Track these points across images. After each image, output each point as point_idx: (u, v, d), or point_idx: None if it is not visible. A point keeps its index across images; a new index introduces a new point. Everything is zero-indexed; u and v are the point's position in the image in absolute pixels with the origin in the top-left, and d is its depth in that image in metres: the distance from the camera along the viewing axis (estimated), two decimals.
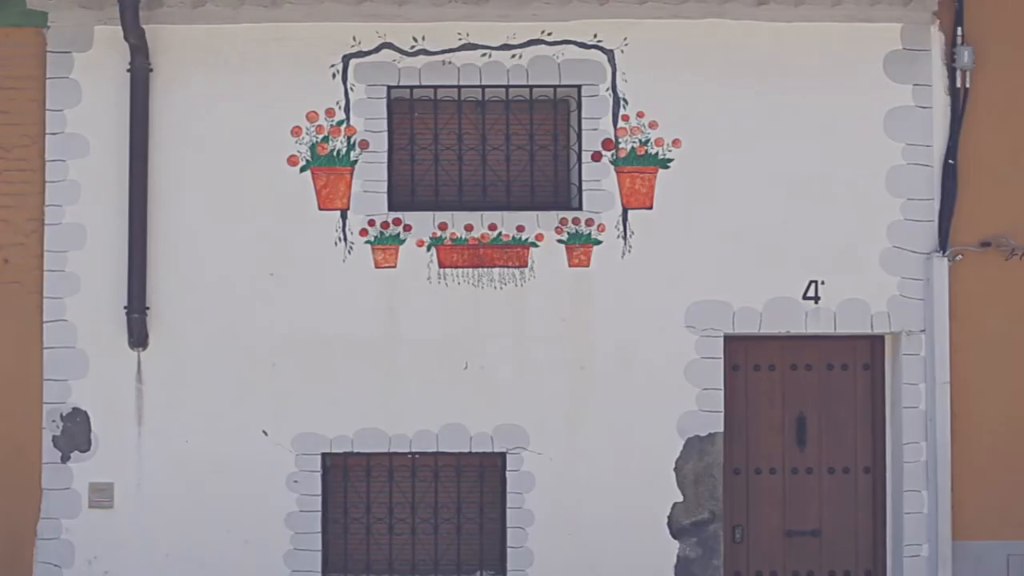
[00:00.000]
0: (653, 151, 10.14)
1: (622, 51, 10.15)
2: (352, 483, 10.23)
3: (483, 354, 10.04)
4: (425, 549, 10.25)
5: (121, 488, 9.97)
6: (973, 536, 10.21)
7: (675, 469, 10.08)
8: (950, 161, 10.22)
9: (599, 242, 10.11)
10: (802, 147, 10.15)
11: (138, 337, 9.91)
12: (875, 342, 10.41)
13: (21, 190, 10.06)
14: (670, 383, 10.04)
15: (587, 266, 10.10)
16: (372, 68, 10.11)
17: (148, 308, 9.95)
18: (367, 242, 10.07)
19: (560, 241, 10.11)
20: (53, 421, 9.98)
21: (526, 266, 10.09)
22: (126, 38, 9.84)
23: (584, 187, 10.14)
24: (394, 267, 10.08)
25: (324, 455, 10.06)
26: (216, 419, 9.95)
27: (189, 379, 9.97)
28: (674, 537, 10.09)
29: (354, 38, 10.11)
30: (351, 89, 10.10)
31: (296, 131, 10.05)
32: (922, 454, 10.18)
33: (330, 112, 10.08)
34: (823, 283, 10.15)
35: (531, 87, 10.20)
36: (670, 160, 10.14)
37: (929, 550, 10.14)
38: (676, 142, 10.13)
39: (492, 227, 10.08)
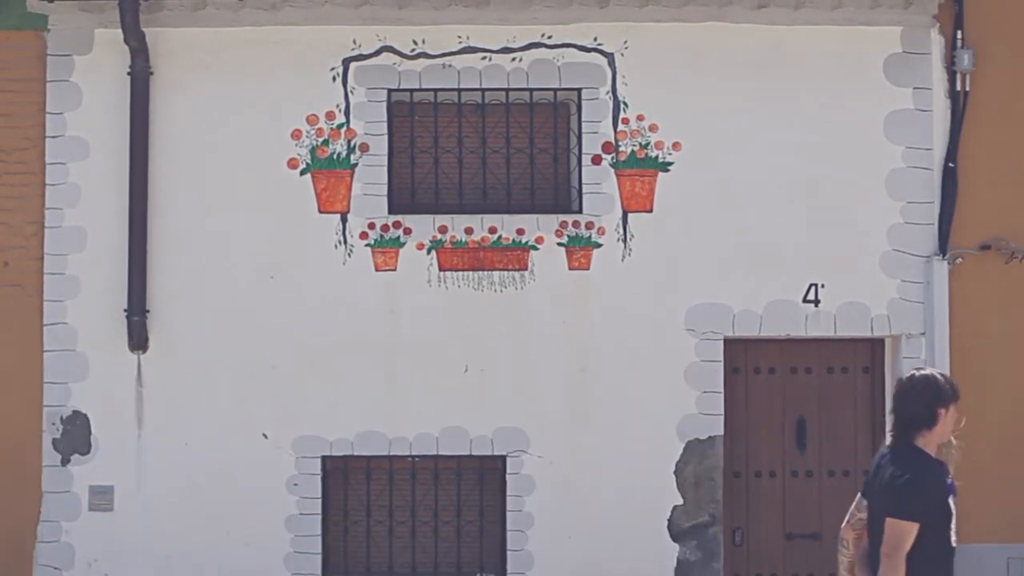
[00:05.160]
0: (653, 154, 10.13)
1: (622, 54, 10.15)
2: (352, 486, 10.22)
3: (483, 357, 10.03)
4: (425, 552, 10.25)
5: (121, 491, 9.96)
6: (973, 539, 10.15)
7: (675, 472, 10.08)
8: (950, 164, 10.22)
9: (599, 245, 10.10)
10: (802, 150, 10.14)
11: (138, 340, 9.91)
12: (875, 345, 10.40)
13: (21, 193, 10.05)
14: (670, 386, 10.04)
15: (587, 269, 10.10)
16: (372, 71, 10.10)
17: (148, 311, 9.95)
18: (367, 245, 10.06)
19: (560, 244, 10.10)
20: (53, 424, 9.97)
21: (526, 269, 10.09)
22: (126, 41, 9.85)
23: (584, 190, 10.14)
24: (394, 270, 10.07)
25: (324, 458, 10.04)
26: (216, 422, 9.94)
27: (189, 382, 9.97)
28: (674, 540, 10.08)
29: (354, 41, 10.11)
30: (351, 92, 10.09)
31: (296, 134, 10.05)
32: None
33: (330, 115, 10.07)
34: (823, 286, 10.15)
35: (531, 90, 10.20)
36: (670, 163, 10.13)
37: None
38: (676, 145, 10.13)
39: (492, 230, 10.08)
